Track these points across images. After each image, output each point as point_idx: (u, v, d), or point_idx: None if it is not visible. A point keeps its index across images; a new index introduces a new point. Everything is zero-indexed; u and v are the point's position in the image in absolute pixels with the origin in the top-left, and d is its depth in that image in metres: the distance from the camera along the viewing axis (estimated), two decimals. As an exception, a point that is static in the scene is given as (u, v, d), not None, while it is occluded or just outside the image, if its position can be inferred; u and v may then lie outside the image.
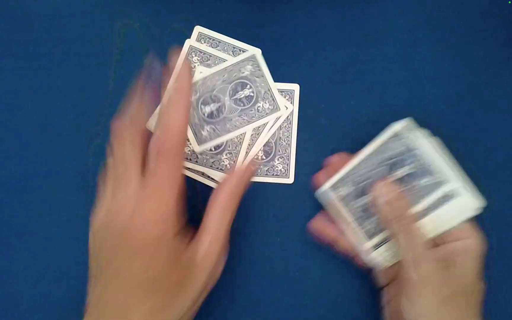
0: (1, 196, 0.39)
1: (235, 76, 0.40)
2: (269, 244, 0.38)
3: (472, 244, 0.32)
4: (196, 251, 0.29)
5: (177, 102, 0.30)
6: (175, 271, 0.28)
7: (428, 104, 0.41)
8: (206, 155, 0.39)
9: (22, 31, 0.43)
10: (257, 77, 0.40)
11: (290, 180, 0.39)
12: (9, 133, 0.40)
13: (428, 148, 0.34)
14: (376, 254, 0.34)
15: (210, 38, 0.42)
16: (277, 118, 0.40)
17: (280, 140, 0.40)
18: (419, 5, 0.43)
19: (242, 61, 0.40)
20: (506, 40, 0.42)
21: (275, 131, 0.40)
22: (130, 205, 0.28)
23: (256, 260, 0.38)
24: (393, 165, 0.34)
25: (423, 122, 0.40)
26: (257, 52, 0.41)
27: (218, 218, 0.30)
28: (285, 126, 0.40)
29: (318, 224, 0.37)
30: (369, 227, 0.34)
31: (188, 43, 0.41)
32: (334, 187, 0.35)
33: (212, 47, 0.41)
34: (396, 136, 0.34)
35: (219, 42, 0.41)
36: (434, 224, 0.33)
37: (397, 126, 0.34)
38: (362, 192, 0.35)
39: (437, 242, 0.33)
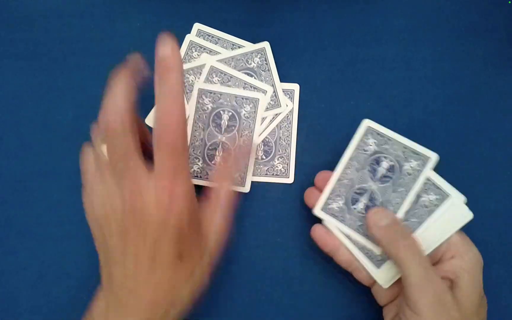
0: (1, 196, 0.39)
1: (242, 66, 0.40)
2: (269, 244, 0.38)
3: (471, 261, 0.31)
4: (209, 221, 0.31)
5: (169, 89, 0.27)
6: (195, 244, 0.30)
7: (428, 104, 0.41)
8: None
9: (22, 31, 0.43)
10: (263, 70, 0.40)
11: (290, 180, 0.39)
12: (9, 133, 0.40)
13: (397, 136, 0.34)
14: (377, 272, 0.33)
15: (210, 35, 0.41)
16: (277, 114, 0.40)
17: (280, 140, 0.40)
18: (419, 5, 0.43)
19: (251, 52, 0.40)
20: (506, 40, 0.42)
21: (275, 131, 0.40)
22: (142, 199, 0.28)
23: (256, 260, 0.38)
24: (374, 162, 0.34)
25: (423, 122, 0.40)
26: (266, 45, 0.41)
27: (228, 195, 0.31)
28: (285, 126, 0.40)
29: (318, 232, 0.36)
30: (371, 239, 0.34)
31: (188, 38, 0.41)
32: (326, 205, 0.35)
33: (211, 44, 0.41)
34: (366, 133, 0.35)
35: (218, 39, 0.41)
36: (428, 236, 0.32)
37: (364, 124, 0.35)
38: (353, 200, 0.34)
39: (433, 259, 0.33)
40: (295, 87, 0.41)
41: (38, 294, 0.37)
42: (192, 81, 0.40)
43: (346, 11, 0.43)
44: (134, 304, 0.28)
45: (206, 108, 0.39)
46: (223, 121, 0.39)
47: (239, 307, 0.38)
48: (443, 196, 0.32)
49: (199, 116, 0.39)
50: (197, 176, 0.39)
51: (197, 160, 0.39)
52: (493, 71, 0.41)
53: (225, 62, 0.40)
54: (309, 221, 0.37)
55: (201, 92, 0.39)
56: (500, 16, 0.43)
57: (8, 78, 0.41)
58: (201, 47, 0.41)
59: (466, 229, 0.39)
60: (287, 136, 0.40)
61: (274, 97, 0.40)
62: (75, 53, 0.42)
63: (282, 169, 0.39)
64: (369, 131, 0.35)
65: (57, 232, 0.38)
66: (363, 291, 0.36)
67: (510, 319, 0.37)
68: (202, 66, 0.40)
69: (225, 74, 0.40)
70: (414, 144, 0.34)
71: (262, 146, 0.40)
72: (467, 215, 0.32)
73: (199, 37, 0.41)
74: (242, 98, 0.39)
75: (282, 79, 0.41)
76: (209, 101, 0.39)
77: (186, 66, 0.40)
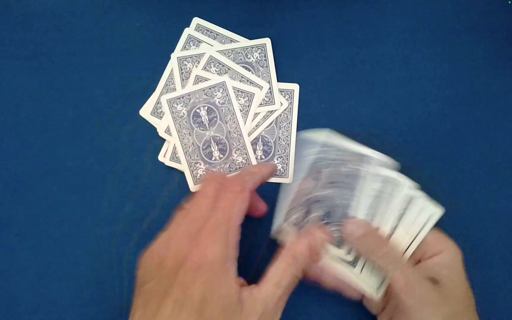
0: (1, 196, 0.39)
1: (240, 59, 0.40)
2: (268, 244, 0.38)
3: (449, 256, 0.31)
4: (253, 294, 0.29)
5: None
6: (225, 301, 0.28)
7: (428, 104, 0.41)
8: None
9: (22, 31, 0.43)
10: (261, 66, 0.40)
11: (289, 179, 0.39)
12: (9, 133, 0.40)
13: (332, 141, 0.33)
14: (362, 284, 0.33)
15: (208, 30, 0.41)
16: (270, 112, 0.40)
17: (279, 140, 0.40)
18: (419, 5, 0.43)
19: (251, 46, 0.40)
20: (506, 40, 0.42)
21: (275, 130, 0.40)
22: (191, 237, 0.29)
23: (255, 259, 0.38)
24: (315, 171, 0.34)
25: (423, 122, 0.40)
26: (267, 41, 0.41)
27: (284, 272, 0.30)
28: (285, 125, 0.40)
29: None
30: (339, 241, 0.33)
31: (187, 32, 0.41)
32: (287, 219, 0.34)
33: (210, 39, 0.41)
34: (304, 144, 0.34)
35: (217, 34, 0.41)
36: (401, 239, 0.32)
37: (320, 136, 0.34)
38: (309, 210, 0.34)
39: (413, 261, 0.33)
40: (295, 87, 0.41)
41: (38, 294, 0.37)
42: (189, 68, 0.40)
43: (346, 11, 0.43)
44: None
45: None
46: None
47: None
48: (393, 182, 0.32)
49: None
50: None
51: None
52: (493, 71, 0.41)
53: (225, 54, 0.40)
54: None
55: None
56: (500, 16, 0.43)
57: (8, 78, 0.41)
58: (199, 42, 0.41)
59: (466, 230, 0.39)
60: (287, 136, 0.40)
61: (269, 94, 0.40)
62: (75, 53, 0.42)
63: (281, 169, 0.39)
64: (306, 141, 0.34)
65: (57, 232, 0.39)
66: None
67: (510, 319, 0.37)
68: (201, 55, 0.40)
69: (223, 65, 0.40)
70: (349, 145, 0.33)
71: (262, 146, 0.40)
72: (437, 212, 0.32)
73: (198, 31, 0.41)
74: (238, 91, 0.39)
75: (282, 79, 0.41)
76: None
77: (184, 53, 0.40)
